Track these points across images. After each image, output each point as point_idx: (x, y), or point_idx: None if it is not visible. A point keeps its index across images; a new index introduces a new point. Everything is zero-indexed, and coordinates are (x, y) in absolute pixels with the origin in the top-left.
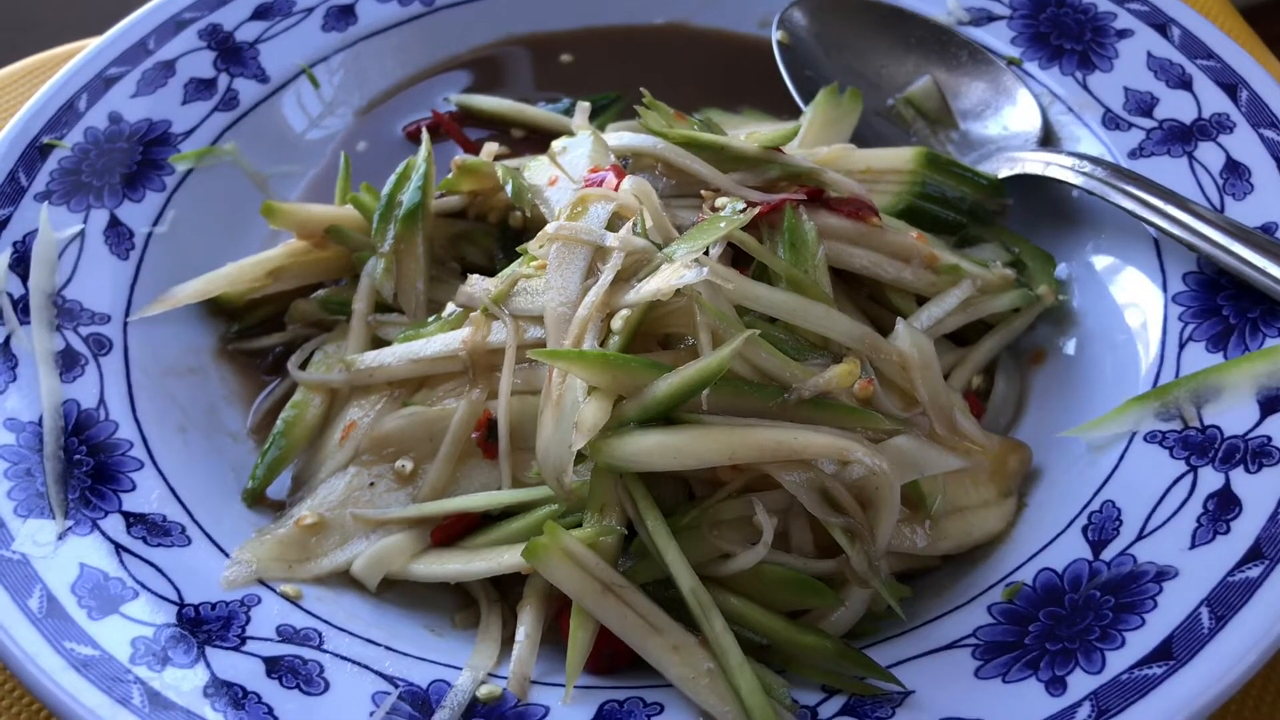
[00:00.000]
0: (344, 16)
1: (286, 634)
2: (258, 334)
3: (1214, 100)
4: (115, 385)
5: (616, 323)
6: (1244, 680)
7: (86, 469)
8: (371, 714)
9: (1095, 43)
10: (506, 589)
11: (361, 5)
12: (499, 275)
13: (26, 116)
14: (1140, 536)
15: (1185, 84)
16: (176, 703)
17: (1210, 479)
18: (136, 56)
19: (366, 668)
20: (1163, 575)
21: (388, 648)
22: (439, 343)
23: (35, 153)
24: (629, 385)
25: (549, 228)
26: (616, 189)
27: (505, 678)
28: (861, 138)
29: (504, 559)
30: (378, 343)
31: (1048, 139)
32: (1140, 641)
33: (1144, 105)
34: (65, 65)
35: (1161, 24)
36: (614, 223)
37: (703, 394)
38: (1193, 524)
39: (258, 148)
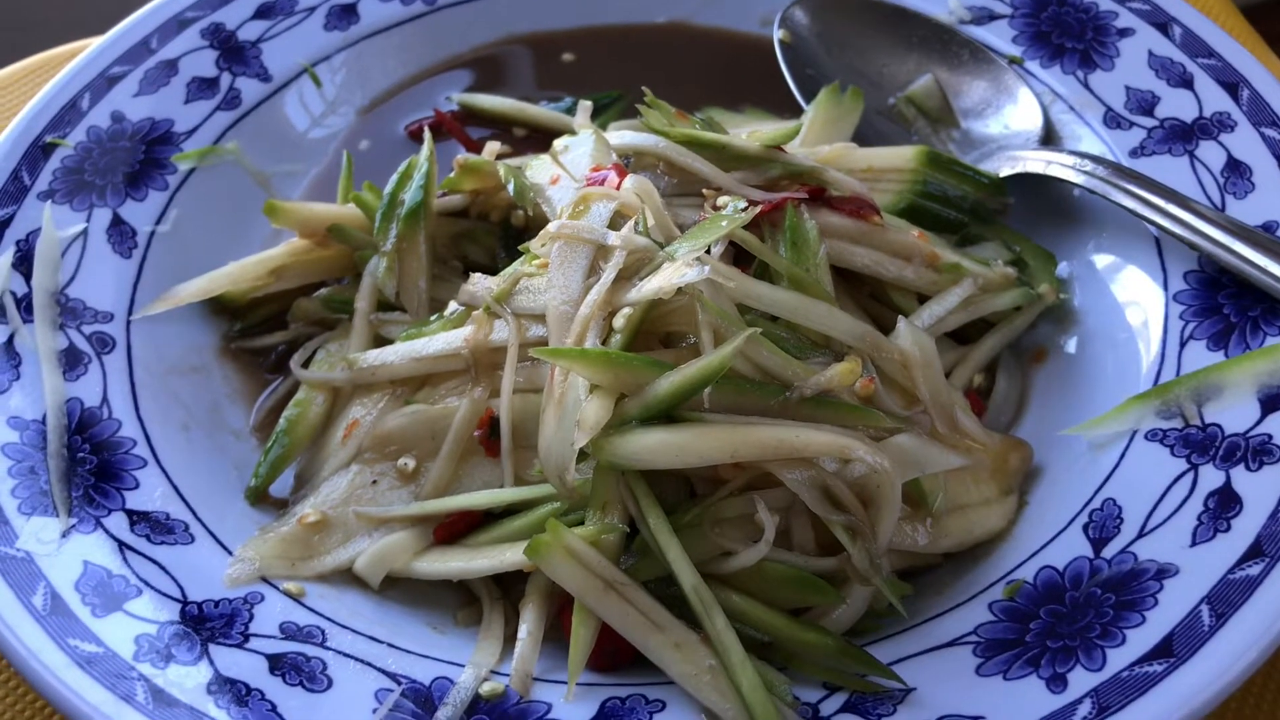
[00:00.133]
0: (346, 15)
1: (290, 631)
2: (260, 332)
3: (1215, 99)
4: (118, 383)
5: (618, 321)
6: (1244, 678)
7: (90, 467)
8: (374, 711)
9: (1096, 41)
10: (509, 586)
11: (364, 4)
12: (501, 274)
13: (29, 116)
14: (1141, 534)
15: (1186, 83)
16: (180, 700)
17: (1211, 477)
18: (139, 56)
19: (369, 665)
20: (1163, 573)
21: (390, 645)
22: (441, 341)
23: (38, 152)
24: (631, 383)
25: (551, 226)
26: (618, 188)
27: (508, 675)
28: (863, 136)
29: (506, 557)
30: (380, 341)
31: (1049, 138)
32: (1141, 639)
33: (1145, 104)
34: (68, 64)
35: (1163, 23)
36: (616, 221)
37: (704, 392)
38: (1193, 522)
39: (260, 147)
